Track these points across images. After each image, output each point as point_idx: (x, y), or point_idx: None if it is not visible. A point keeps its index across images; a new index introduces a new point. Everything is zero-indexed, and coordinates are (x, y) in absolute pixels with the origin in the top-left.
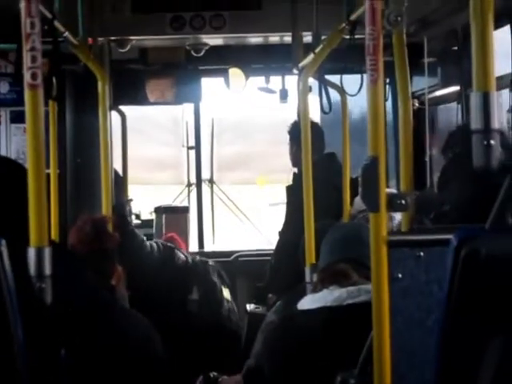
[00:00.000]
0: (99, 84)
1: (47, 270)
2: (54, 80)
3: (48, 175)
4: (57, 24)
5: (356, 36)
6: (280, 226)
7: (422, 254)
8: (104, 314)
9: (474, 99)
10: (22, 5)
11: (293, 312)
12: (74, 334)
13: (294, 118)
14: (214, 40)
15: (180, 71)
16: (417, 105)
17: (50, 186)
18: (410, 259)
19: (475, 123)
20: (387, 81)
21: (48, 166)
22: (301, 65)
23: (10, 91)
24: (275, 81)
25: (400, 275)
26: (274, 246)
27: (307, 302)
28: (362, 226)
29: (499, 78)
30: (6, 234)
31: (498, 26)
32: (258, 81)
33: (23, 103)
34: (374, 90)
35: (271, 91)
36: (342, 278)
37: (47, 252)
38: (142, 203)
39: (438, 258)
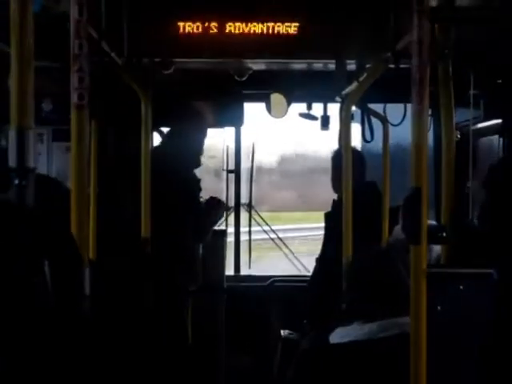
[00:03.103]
0: (142, 105)
1: (87, 290)
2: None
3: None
4: (103, 44)
5: (401, 66)
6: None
7: (461, 287)
8: None
9: None
10: (71, 25)
11: (325, 344)
12: None
13: (335, 145)
14: (257, 65)
15: (222, 95)
16: (459, 136)
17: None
18: (450, 292)
19: None
20: (429, 112)
21: (88, 185)
22: (344, 92)
23: (52, 110)
24: (317, 107)
25: (439, 308)
26: (310, 273)
27: (338, 336)
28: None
29: None
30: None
31: None
32: (300, 107)
33: (65, 122)
34: (419, 121)
35: (313, 118)
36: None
37: (87, 272)
38: None
39: (478, 291)
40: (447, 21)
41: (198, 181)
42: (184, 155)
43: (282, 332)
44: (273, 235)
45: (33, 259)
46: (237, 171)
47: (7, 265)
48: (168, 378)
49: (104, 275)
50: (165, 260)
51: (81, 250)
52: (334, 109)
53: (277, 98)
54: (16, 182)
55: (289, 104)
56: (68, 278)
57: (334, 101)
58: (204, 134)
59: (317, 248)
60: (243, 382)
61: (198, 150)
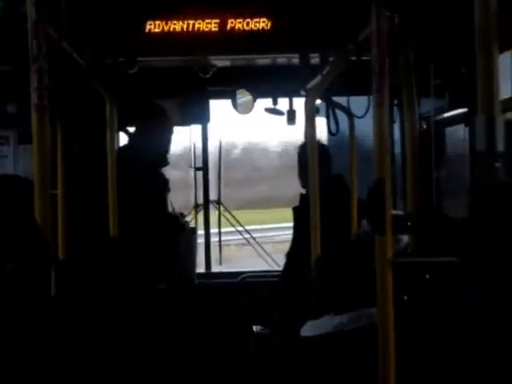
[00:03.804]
0: (107, 105)
1: (53, 291)
2: (60, 101)
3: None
4: (64, 45)
5: (363, 58)
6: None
7: (427, 276)
8: None
9: (479, 122)
10: (29, 26)
11: (296, 338)
12: None
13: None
14: (221, 61)
15: (188, 92)
16: (424, 126)
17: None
18: (416, 281)
19: (479, 145)
20: (395, 102)
21: (55, 187)
22: (308, 86)
23: (17, 112)
24: (283, 102)
25: (406, 297)
26: (280, 268)
27: (309, 329)
28: None
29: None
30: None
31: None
32: (266, 102)
33: (30, 124)
34: (380, 112)
35: (279, 113)
36: None
37: (53, 273)
38: None
39: (444, 280)
40: (406, 10)
41: (167, 181)
42: (150, 154)
43: (254, 327)
44: (246, 235)
45: None
46: (205, 168)
47: None
48: (138, 377)
49: (73, 275)
50: (133, 259)
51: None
52: (300, 103)
53: (242, 94)
54: None
55: (254, 99)
56: (33, 279)
57: (299, 95)
58: (170, 132)
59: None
60: (216, 379)
61: (165, 149)
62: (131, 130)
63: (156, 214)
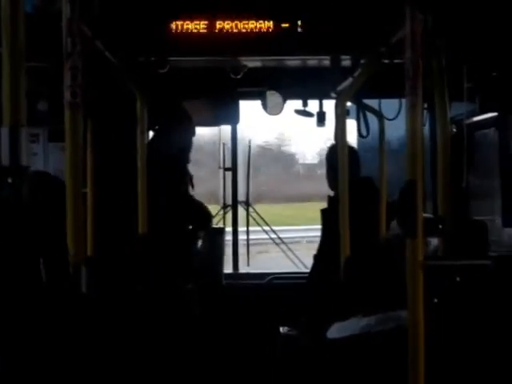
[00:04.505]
0: (137, 104)
1: (83, 288)
2: (92, 99)
3: (85, 194)
4: (97, 43)
5: (395, 60)
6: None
7: (458, 278)
8: None
9: None
10: (64, 23)
11: (323, 340)
12: None
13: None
14: (252, 62)
15: (218, 93)
16: (454, 130)
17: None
18: (447, 284)
19: None
20: (425, 106)
21: (85, 185)
22: (339, 88)
23: (48, 110)
24: (313, 104)
25: (436, 300)
26: (308, 269)
27: (336, 331)
28: None
29: None
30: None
31: None
32: (296, 104)
33: (61, 122)
34: (413, 115)
35: (309, 114)
36: None
37: (84, 270)
38: None
39: (474, 283)
40: (440, 13)
41: (189, 176)
42: (172, 152)
43: (281, 329)
44: (273, 235)
45: (28, 257)
46: (234, 169)
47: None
48: (167, 377)
49: (103, 273)
50: (161, 257)
51: (77, 250)
52: (330, 105)
53: (272, 95)
54: (9, 180)
55: (284, 101)
56: (63, 276)
57: (329, 97)
58: (190, 132)
59: None
60: (242, 379)
61: (186, 147)
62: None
63: (181, 207)
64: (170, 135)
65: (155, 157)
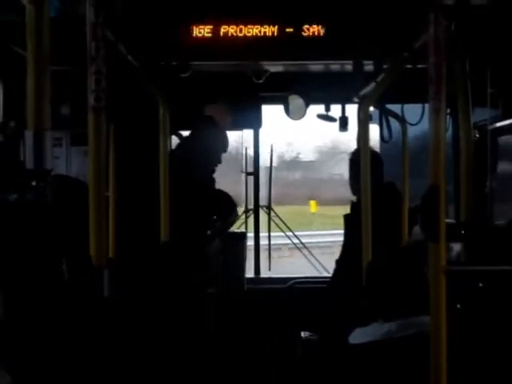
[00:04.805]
0: (160, 108)
1: (106, 291)
2: (115, 103)
3: (107, 198)
4: (120, 47)
5: (418, 65)
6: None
7: (481, 284)
8: None
9: None
10: (88, 28)
11: (344, 345)
12: None
13: (354, 146)
14: (274, 67)
15: (240, 97)
16: (477, 135)
17: (108, 209)
18: (470, 290)
19: None
20: (448, 111)
21: (107, 189)
22: (361, 93)
23: (71, 114)
24: (335, 108)
25: (459, 305)
26: (329, 274)
27: (357, 336)
28: None
29: None
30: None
31: None
32: (318, 108)
33: (84, 126)
34: (437, 120)
35: (331, 119)
36: None
37: (106, 274)
38: None
39: (498, 288)
40: (464, 18)
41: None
42: (200, 159)
43: (302, 333)
44: (295, 240)
45: (51, 259)
46: (256, 173)
47: (27, 265)
48: (187, 379)
49: (126, 277)
50: (182, 263)
51: (99, 253)
52: (352, 110)
53: (295, 99)
54: (33, 183)
55: (307, 106)
56: (85, 278)
57: (351, 102)
58: (222, 144)
59: None
60: (264, 383)
61: (214, 157)
62: (184, 133)
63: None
64: (200, 143)
65: (182, 166)
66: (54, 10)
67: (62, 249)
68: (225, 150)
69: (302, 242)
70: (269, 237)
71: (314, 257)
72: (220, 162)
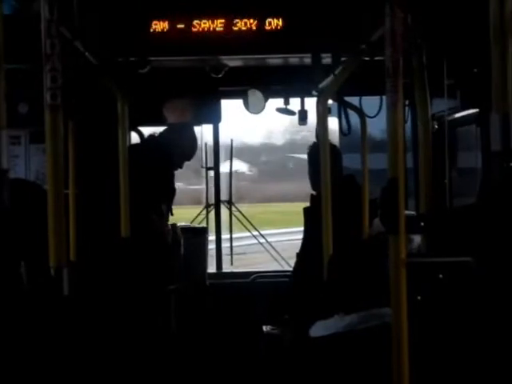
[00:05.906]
0: (118, 104)
1: (65, 291)
2: (72, 100)
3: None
4: (76, 44)
5: (376, 58)
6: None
7: (440, 275)
8: None
9: (493, 121)
10: (42, 25)
11: (305, 338)
12: None
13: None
14: (233, 61)
15: (199, 92)
16: (436, 127)
17: (68, 206)
18: (430, 281)
19: (494, 145)
20: (406, 103)
21: (67, 187)
22: (320, 86)
23: (29, 112)
24: (294, 102)
25: (419, 297)
26: (291, 268)
27: (318, 329)
28: None
29: None
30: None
31: None
32: (277, 102)
33: (42, 123)
34: (394, 112)
35: (291, 113)
36: None
37: (66, 272)
38: None
39: (457, 280)
40: (420, 10)
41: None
42: (180, 149)
43: (264, 327)
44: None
45: (9, 261)
46: (216, 168)
47: None
48: (148, 376)
49: (85, 275)
50: (143, 258)
51: (58, 251)
52: (311, 103)
53: (254, 93)
54: None
55: (266, 99)
56: (44, 279)
57: (310, 95)
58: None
59: None
60: (225, 379)
61: (191, 152)
62: (142, 129)
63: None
64: (184, 131)
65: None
66: (9, 7)
67: (20, 252)
68: (193, 153)
69: (263, 236)
70: (230, 231)
71: (277, 251)
72: (188, 160)
